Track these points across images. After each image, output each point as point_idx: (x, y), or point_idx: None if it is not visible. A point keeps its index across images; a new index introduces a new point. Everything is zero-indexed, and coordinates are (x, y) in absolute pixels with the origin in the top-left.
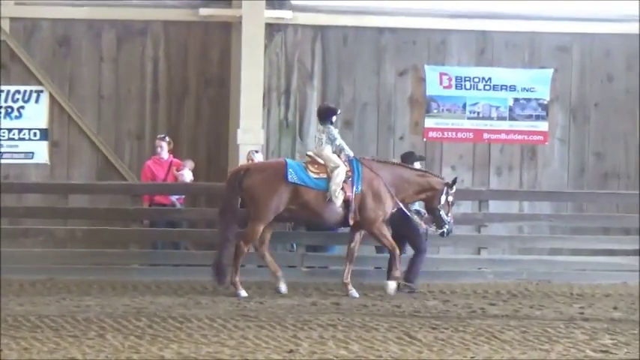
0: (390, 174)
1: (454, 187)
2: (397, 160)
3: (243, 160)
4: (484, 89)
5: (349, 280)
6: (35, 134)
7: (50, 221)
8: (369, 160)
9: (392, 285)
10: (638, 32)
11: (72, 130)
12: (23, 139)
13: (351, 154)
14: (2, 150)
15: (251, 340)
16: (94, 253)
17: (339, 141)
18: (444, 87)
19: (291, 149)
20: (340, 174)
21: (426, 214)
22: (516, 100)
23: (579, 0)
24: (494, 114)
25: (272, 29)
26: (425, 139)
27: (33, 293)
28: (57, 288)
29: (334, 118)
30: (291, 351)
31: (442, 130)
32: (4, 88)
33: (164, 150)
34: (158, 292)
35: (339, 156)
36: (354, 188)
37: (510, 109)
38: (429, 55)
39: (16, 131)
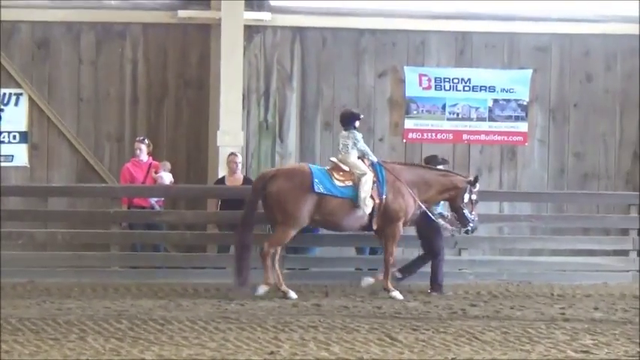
0: (413, 175)
1: (477, 185)
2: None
3: (223, 162)
4: (463, 90)
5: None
6: (15, 137)
7: (30, 224)
8: (392, 164)
9: (366, 280)
10: (617, 32)
11: (51, 132)
12: (2, 142)
13: (375, 159)
14: None
15: (232, 342)
16: (74, 256)
17: (361, 145)
18: (424, 88)
19: (270, 151)
20: (368, 181)
21: (450, 216)
22: (496, 100)
23: (558, 0)
24: (473, 115)
25: (251, 31)
26: (405, 141)
27: (13, 296)
28: (37, 291)
29: (357, 123)
30: (272, 353)
31: (422, 131)
32: None
33: (143, 152)
34: (139, 294)
35: (363, 161)
36: (380, 194)
37: (490, 110)
38: (408, 56)
39: None
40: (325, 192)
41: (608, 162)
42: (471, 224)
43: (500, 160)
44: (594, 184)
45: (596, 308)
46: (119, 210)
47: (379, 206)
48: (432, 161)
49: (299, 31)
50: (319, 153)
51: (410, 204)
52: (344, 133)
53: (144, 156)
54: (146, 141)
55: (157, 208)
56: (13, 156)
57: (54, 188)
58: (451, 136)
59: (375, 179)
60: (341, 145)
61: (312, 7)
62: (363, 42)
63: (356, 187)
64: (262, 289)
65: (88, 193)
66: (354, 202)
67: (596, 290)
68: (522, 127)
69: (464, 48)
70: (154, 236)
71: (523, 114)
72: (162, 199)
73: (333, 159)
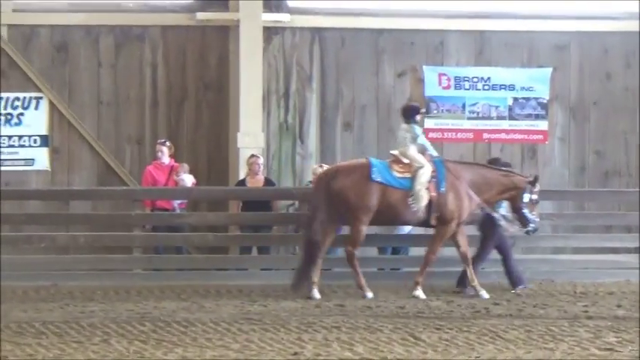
0: (473, 175)
1: (537, 185)
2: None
3: (243, 164)
4: (483, 89)
5: (476, 281)
6: (35, 141)
7: (52, 227)
8: (453, 162)
9: (417, 292)
10: (636, 30)
11: (72, 136)
12: (23, 146)
13: (435, 153)
14: (3, 157)
15: (255, 343)
16: (96, 259)
17: (422, 139)
18: (443, 87)
19: (291, 152)
20: (425, 174)
21: (511, 216)
22: (516, 99)
23: None
24: (493, 114)
25: (270, 32)
26: None
27: (37, 300)
28: (60, 294)
29: (418, 117)
30: (295, 354)
31: (442, 130)
32: (4, 95)
33: (165, 155)
34: (162, 296)
35: (423, 155)
36: (438, 188)
37: (510, 109)
38: (427, 55)
39: (16, 138)
40: (383, 182)
41: (629, 159)
42: (532, 224)
43: (520, 159)
44: (615, 181)
45: (619, 306)
46: (141, 212)
47: (436, 201)
48: (494, 164)
49: (318, 32)
50: (340, 153)
51: (465, 205)
52: (404, 125)
53: (165, 158)
54: (167, 143)
55: (179, 210)
56: (34, 160)
57: (75, 191)
58: (471, 136)
59: (433, 174)
60: (400, 138)
61: (330, 7)
62: (381, 42)
63: (414, 179)
64: (369, 294)
65: (109, 196)
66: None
67: (618, 288)
68: (542, 125)
69: (483, 47)
70: (176, 238)
71: (543, 112)
72: (185, 201)
73: (394, 152)
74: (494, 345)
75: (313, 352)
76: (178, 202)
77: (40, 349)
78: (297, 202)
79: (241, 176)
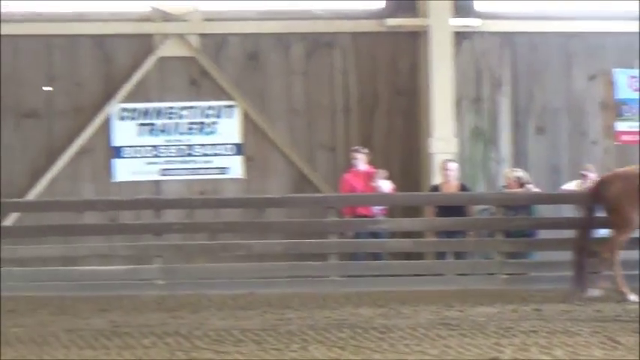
0: None
1: None
2: None
3: (436, 169)
4: None
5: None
6: (229, 149)
7: (248, 235)
8: None
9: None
10: None
11: (265, 144)
12: (217, 155)
13: None
14: (197, 166)
15: (453, 349)
16: (293, 266)
17: None
18: (634, 90)
19: (484, 157)
20: None
21: None
22: None
23: None
24: None
25: (459, 37)
26: (618, 143)
27: (234, 307)
28: (258, 302)
29: None
30: (494, 358)
31: (635, 133)
32: (196, 104)
33: (360, 161)
34: (359, 303)
35: None
36: None
37: None
38: (618, 58)
39: (209, 147)
40: None
41: None
42: None
43: None
44: None
45: None
46: (335, 219)
47: None
48: None
49: (508, 36)
50: (532, 158)
51: None
52: None
53: (361, 165)
54: (363, 150)
55: (379, 216)
56: (228, 168)
57: (270, 199)
58: None
59: None
60: None
61: (519, 12)
62: (572, 45)
63: None
64: (595, 292)
65: (303, 204)
66: None
67: None
68: None
69: None
70: (371, 245)
71: None
72: (385, 207)
73: None
74: None
75: (512, 356)
76: (379, 208)
77: (239, 357)
78: (491, 207)
79: (435, 182)
